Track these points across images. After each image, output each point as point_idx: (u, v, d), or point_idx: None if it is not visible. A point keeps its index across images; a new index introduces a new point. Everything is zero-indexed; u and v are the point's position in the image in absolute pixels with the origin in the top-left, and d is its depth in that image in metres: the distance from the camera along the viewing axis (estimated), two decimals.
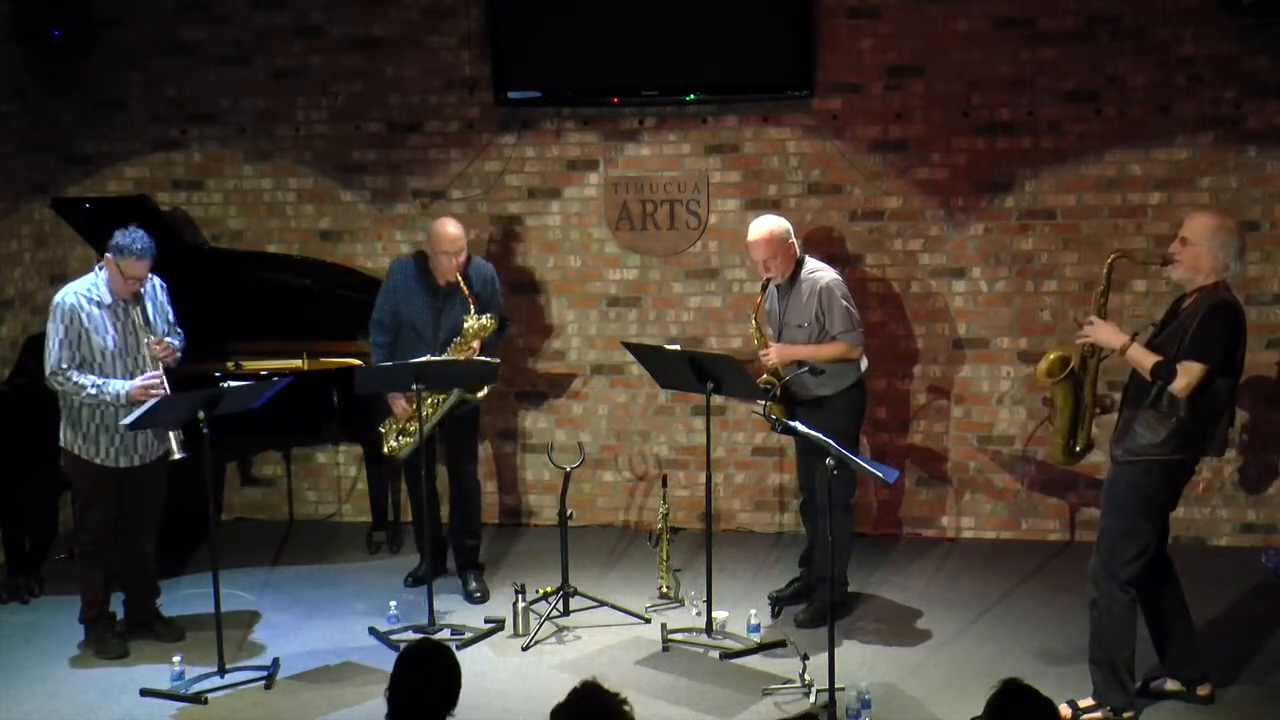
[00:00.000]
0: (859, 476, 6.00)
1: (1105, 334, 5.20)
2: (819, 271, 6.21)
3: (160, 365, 5.94)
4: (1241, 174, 7.04)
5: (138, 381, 5.85)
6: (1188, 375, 4.97)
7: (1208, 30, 6.94)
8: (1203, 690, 5.43)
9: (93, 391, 5.82)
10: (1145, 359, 5.06)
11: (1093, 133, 7.13)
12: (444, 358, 6.37)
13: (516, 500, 7.90)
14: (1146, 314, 6.60)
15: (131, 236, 5.84)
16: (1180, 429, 5.06)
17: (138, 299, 5.94)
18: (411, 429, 6.51)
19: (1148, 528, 5.16)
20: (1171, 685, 5.46)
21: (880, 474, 5.30)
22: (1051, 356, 5.41)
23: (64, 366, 5.83)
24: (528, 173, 7.67)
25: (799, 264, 6.22)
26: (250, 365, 7.07)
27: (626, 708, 3.50)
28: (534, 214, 7.69)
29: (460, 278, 6.41)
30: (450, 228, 6.46)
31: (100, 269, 5.95)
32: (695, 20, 7.23)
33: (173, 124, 7.88)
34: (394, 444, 6.65)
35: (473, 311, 6.40)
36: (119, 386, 5.84)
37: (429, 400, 6.43)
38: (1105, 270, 5.33)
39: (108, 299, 5.90)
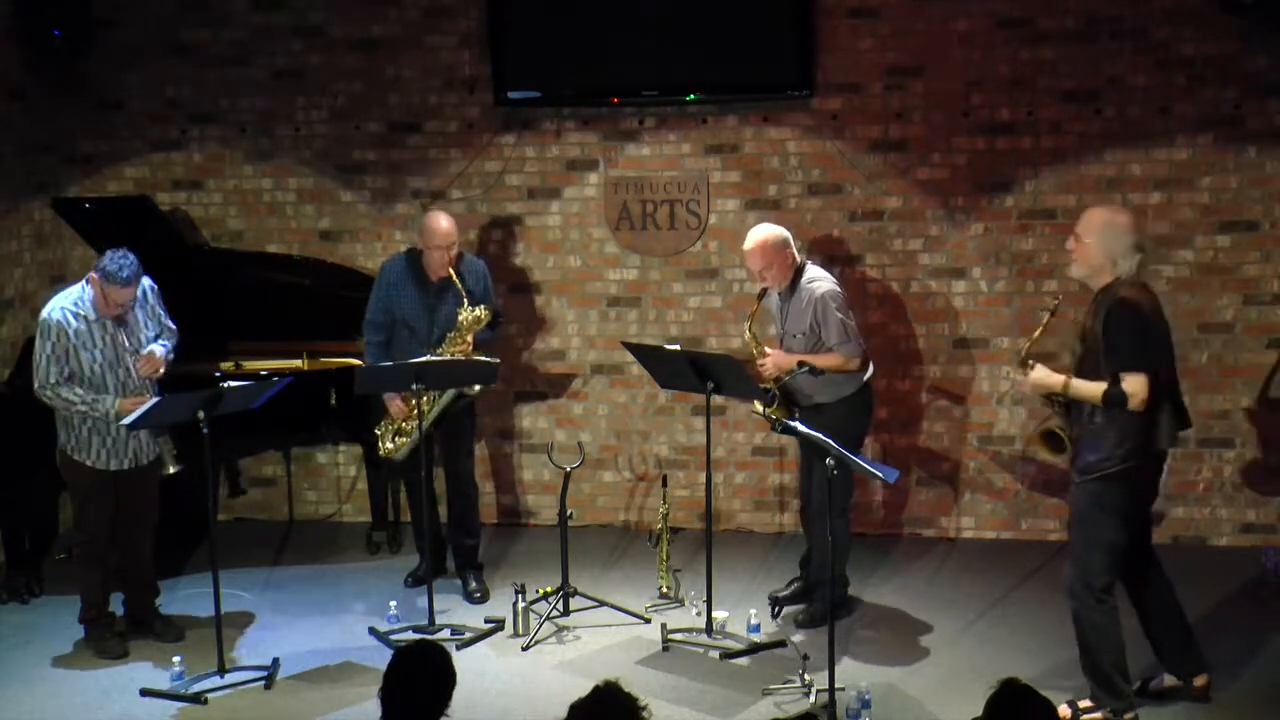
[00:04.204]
0: (856, 479, 5.99)
1: (1043, 378, 5.15)
2: (816, 281, 6.15)
3: (150, 382, 5.94)
4: (1241, 174, 7.04)
5: (127, 402, 5.83)
6: (1135, 389, 4.93)
7: (1208, 30, 6.94)
8: (1199, 681, 5.41)
9: (83, 409, 5.82)
10: (1089, 391, 5.02)
11: (1093, 133, 7.12)
12: (444, 357, 6.37)
13: (516, 500, 7.90)
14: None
15: (119, 264, 5.70)
16: (1121, 439, 5.01)
17: (121, 320, 5.91)
18: (407, 429, 6.51)
19: (1116, 538, 5.11)
20: (1170, 681, 5.46)
21: (880, 474, 5.29)
22: (1041, 441, 5.30)
23: (53, 381, 5.82)
24: (528, 173, 7.67)
25: (798, 271, 6.20)
26: (250, 365, 7.07)
27: (646, 713, 3.50)
28: (534, 214, 7.69)
29: (453, 272, 6.42)
30: (442, 222, 6.46)
31: (87, 284, 5.87)
32: (695, 20, 7.23)
33: (173, 124, 7.88)
34: (389, 445, 6.63)
35: (466, 304, 6.40)
36: (109, 404, 5.83)
37: (425, 399, 6.42)
38: (1039, 330, 5.27)
39: (93, 314, 5.85)
